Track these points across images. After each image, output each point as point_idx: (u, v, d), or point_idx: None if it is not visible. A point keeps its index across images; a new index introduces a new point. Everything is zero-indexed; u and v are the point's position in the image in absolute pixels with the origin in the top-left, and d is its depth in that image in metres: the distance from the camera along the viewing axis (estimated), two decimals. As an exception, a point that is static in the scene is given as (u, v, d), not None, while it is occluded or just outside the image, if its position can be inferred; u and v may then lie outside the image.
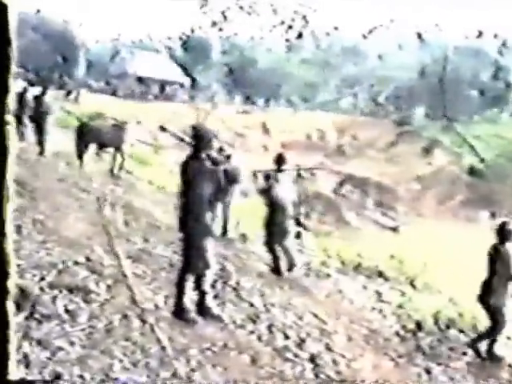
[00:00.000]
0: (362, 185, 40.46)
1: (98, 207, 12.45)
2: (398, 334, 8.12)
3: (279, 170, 10.18)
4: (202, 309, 7.29)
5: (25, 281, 7.37)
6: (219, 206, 8.15)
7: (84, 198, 13.41)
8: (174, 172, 10.10)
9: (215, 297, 7.88)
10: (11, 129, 2.12)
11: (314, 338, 7.37)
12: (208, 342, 6.61)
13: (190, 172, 7.17)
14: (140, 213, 13.05)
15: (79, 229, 10.56)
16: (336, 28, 66.34)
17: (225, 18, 15.80)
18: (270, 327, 7.46)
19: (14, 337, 2.20)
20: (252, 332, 7.23)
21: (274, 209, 10.07)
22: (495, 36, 57.59)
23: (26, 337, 6.04)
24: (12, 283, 2.22)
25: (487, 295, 7.74)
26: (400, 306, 9.26)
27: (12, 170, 2.13)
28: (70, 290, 7.41)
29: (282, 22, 16.23)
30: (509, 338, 8.31)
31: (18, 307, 6.58)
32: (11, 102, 2.20)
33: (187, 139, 8.73)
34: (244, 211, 13.08)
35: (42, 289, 7.32)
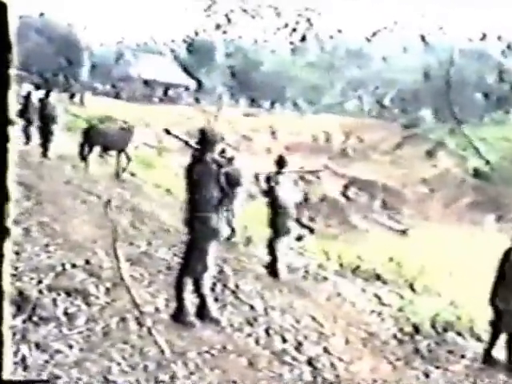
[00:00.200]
0: (368, 187, 40.37)
1: (104, 210, 12.47)
2: (395, 336, 8.13)
3: (280, 173, 10.26)
4: (202, 312, 7.30)
5: (24, 283, 7.40)
6: (225, 209, 8.19)
7: (90, 201, 13.44)
8: (179, 175, 10.16)
9: (215, 300, 7.89)
10: (13, 130, 2.16)
11: (312, 341, 7.38)
12: (206, 345, 6.63)
13: (195, 175, 7.20)
14: (145, 215, 13.07)
15: (85, 232, 10.58)
16: (340, 31, 66.27)
17: (229, 20, 15.86)
18: (267, 330, 7.46)
19: (7, 336, 2.22)
20: (250, 335, 7.24)
21: (276, 211, 10.16)
22: (499, 38, 57.43)
23: (24, 339, 6.06)
24: (7, 283, 2.25)
25: (495, 298, 7.76)
26: (400, 309, 9.27)
27: (13, 171, 2.17)
28: (68, 293, 7.43)
29: (286, 25, 16.29)
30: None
31: (18, 309, 6.63)
32: (12, 103, 2.23)
33: (191, 142, 8.71)
34: (249, 214, 13.09)
35: (40, 291, 7.35)
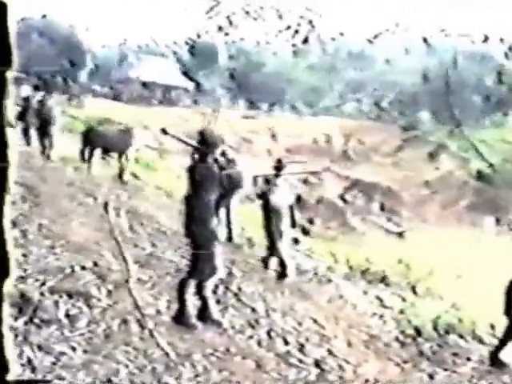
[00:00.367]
0: (368, 190, 40.37)
1: (105, 212, 12.47)
2: (397, 339, 8.12)
3: (277, 175, 10.32)
4: (204, 314, 7.30)
5: (26, 285, 7.40)
6: (223, 211, 8.20)
7: (90, 203, 13.44)
8: (181, 177, 10.19)
9: (217, 302, 7.89)
10: (12, 131, 2.16)
11: (314, 344, 7.38)
12: (209, 348, 6.63)
13: (196, 177, 7.20)
14: (146, 218, 13.07)
15: (85, 234, 10.58)
16: (342, 33, 66.29)
17: (231, 22, 15.85)
18: (269, 332, 7.46)
19: (8, 337, 2.23)
20: (251, 337, 7.24)
21: (271, 213, 10.24)
22: (501, 40, 57.48)
23: (26, 341, 6.06)
24: (9, 283, 2.25)
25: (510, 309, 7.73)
26: (401, 312, 9.26)
27: (13, 173, 2.17)
28: (70, 295, 7.43)
29: (288, 27, 16.28)
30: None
31: (20, 311, 6.63)
32: (11, 104, 2.23)
33: (190, 142, 8.74)
34: (249, 216, 13.10)
35: (42, 294, 7.35)
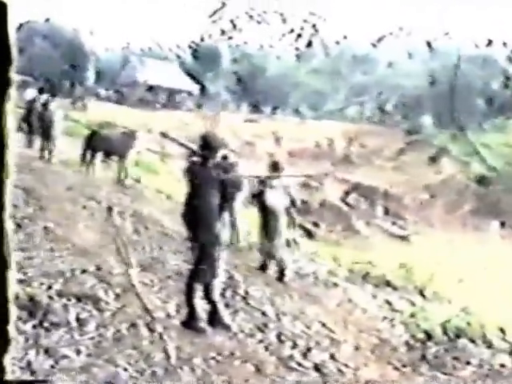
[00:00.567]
0: (371, 193, 40.37)
1: (107, 216, 12.45)
2: (407, 343, 8.06)
3: (273, 177, 10.37)
4: (213, 318, 7.27)
5: (34, 289, 7.37)
6: (227, 215, 8.14)
7: (93, 207, 13.41)
8: (182, 180, 10.18)
9: (226, 306, 7.84)
10: (10, 134, 2.10)
11: (322, 347, 7.33)
12: (216, 351, 6.59)
13: (198, 181, 7.16)
14: (150, 221, 13.04)
15: (88, 237, 10.55)
16: (345, 37, 66.36)
17: (234, 26, 15.80)
18: (279, 336, 7.42)
19: (12, 336, 2.17)
20: (261, 341, 7.20)
21: (266, 214, 10.37)
22: (504, 44, 57.33)
23: (36, 345, 6.03)
24: (12, 285, 2.20)
25: None
26: (412, 316, 9.21)
27: (12, 176, 2.11)
28: (79, 299, 7.41)
29: (292, 31, 16.22)
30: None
31: (30, 315, 6.60)
32: (11, 106, 2.17)
33: (189, 145, 8.76)
34: (255, 220, 13.07)
35: (51, 297, 7.32)
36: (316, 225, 27.36)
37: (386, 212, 38.58)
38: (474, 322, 9.03)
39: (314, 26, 16.49)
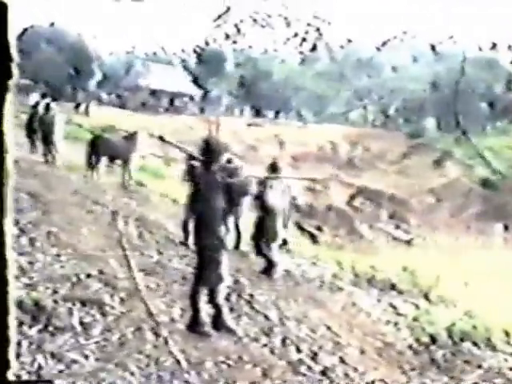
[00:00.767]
0: (375, 197, 40.34)
1: (112, 220, 12.44)
2: (411, 347, 8.05)
3: (272, 178, 10.42)
4: (218, 322, 7.26)
5: (39, 293, 7.38)
6: (231, 219, 8.15)
7: (97, 211, 13.41)
8: (186, 185, 10.21)
9: (230, 310, 7.84)
10: (9, 138, 2.09)
11: (327, 351, 7.33)
12: (222, 356, 6.58)
13: (202, 185, 7.16)
14: (155, 226, 13.04)
15: (93, 242, 10.55)
16: (350, 40, 66.43)
17: (238, 30, 15.81)
18: (284, 340, 7.42)
19: (13, 336, 2.18)
20: (265, 345, 7.19)
21: (264, 215, 10.46)
22: (509, 48, 57.47)
23: (40, 349, 6.03)
24: (12, 288, 2.20)
25: None
26: (416, 319, 9.19)
27: (12, 180, 2.11)
28: (84, 303, 7.41)
29: (296, 35, 16.24)
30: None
31: (34, 319, 6.61)
32: (11, 110, 2.16)
33: (187, 148, 8.79)
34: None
35: (55, 301, 7.32)
36: (320, 229, 27.37)
37: (390, 216, 38.57)
38: (479, 325, 9.02)
39: (318, 29, 16.51)
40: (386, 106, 67.47)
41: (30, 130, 20.24)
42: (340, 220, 34.16)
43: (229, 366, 6.42)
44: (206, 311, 7.23)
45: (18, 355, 5.64)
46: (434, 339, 8.34)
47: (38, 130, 19.88)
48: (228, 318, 7.39)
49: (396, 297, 10.62)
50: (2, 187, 2.08)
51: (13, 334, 2.19)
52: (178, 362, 6.13)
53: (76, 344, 6.33)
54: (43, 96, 23.87)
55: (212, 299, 7.24)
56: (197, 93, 68.24)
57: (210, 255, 7.08)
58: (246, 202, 11.11)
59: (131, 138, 18.09)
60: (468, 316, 9.68)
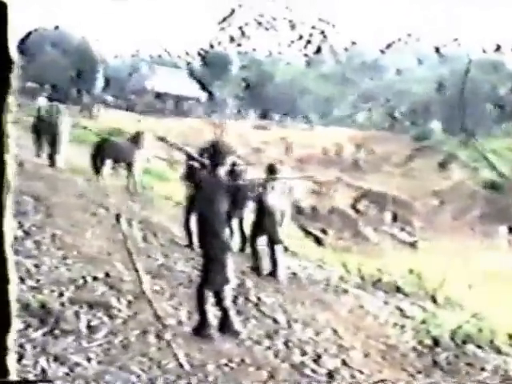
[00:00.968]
0: (380, 200, 40.31)
1: (116, 223, 12.44)
2: (415, 349, 8.04)
3: (271, 179, 10.40)
4: (225, 325, 7.25)
5: (45, 296, 7.38)
6: (236, 221, 8.16)
7: (102, 214, 13.41)
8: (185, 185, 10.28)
9: (237, 312, 7.83)
10: (10, 141, 2.10)
11: (332, 354, 7.32)
12: (226, 358, 6.58)
13: (206, 188, 7.17)
14: (159, 228, 13.05)
15: (98, 245, 10.55)
16: (354, 43, 66.39)
17: (243, 33, 15.82)
18: (286, 343, 7.41)
19: (13, 336, 2.18)
20: (269, 348, 7.19)
21: (264, 216, 10.48)
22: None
23: (45, 352, 6.03)
24: (13, 289, 2.20)
25: None
26: (423, 322, 9.18)
27: (13, 183, 2.11)
28: (90, 306, 7.41)
29: (301, 37, 16.24)
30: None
31: (41, 322, 6.61)
32: (11, 111, 2.17)
33: (187, 150, 8.82)
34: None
35: (62, 304, 7.32)
36: (324, 231, 27.33)
37: (395, 218, 38.54)
38: (484, 328, 9.00)
39: (322, 32, 16.50)
40: (392, 108, 67.36)
41: (37, 133, 20.28)
42: (344, 222, 34.13)
43: (232, 368, 6.42)
44: (212, 314, 7.23)
45: (20, 358, 5.66)
46: (437, 342, 8.33)
47: (44, 132, 19.93)
48: (234, 321, 7.38)
49: (403, 299, 10.62)
50: (2, 188, 2.08)
51: (14, 336, 2.20)
52: (181, 365, 6.12)
53: (79, 347, 6.32)
54: (49, 99, 23.90)
55: (219, 302, 7.24)
56: (202, 95, 68.31)
57: (215, 257, 7.09)
58: (251, 205, 11.13)
59: (136, 139, 18.09)
60: (476, 318, 9.65)
